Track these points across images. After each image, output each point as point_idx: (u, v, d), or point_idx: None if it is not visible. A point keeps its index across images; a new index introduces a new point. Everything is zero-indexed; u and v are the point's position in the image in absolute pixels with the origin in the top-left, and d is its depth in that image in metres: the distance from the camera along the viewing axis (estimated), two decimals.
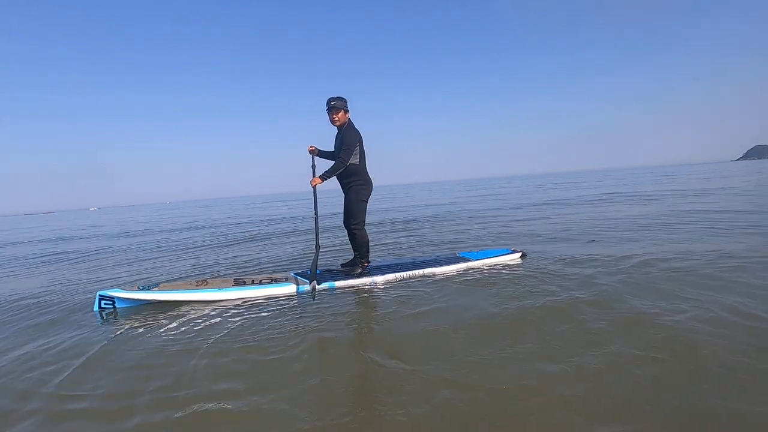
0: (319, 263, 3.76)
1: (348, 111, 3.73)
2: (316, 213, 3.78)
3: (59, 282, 4.88)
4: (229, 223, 13.02)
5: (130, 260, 6.40)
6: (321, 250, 4.37)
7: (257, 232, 9.57)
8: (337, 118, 3.68)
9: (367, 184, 3.75)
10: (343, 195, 3.84)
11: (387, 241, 6.32)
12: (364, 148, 3.76)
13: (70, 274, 5.49)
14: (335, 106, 3.64)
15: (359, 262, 3.87)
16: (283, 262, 5.16)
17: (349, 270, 3.87)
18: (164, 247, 7.93)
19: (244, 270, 4.77)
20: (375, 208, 13.52)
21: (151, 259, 6.38)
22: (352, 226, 3.77)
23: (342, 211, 3.86)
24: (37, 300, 3.94)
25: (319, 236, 3.75)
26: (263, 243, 7.41)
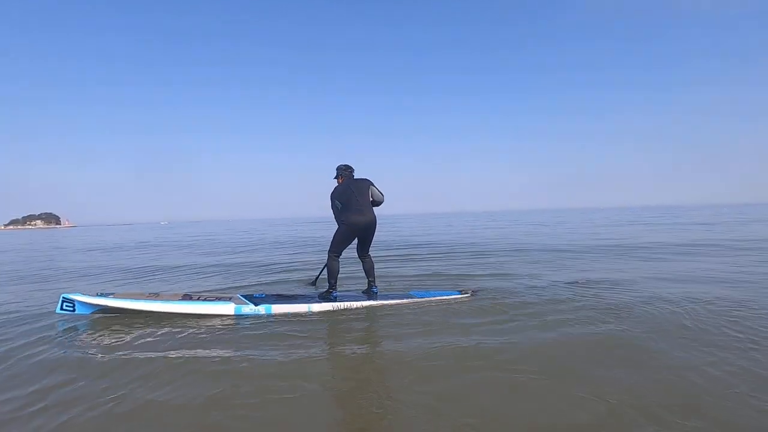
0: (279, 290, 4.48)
1: (340, 176, 4.37)
2: None
3: None
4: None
5: None
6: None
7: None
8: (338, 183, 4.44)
9: (349, 226, 4.17)
10: None
11: None
12: (350, 194, 4.20)
13: None
14: (338, 173, 4.45)
15: (328, 288, 4.20)
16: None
17: (324, 297, 4.14)
18: None
19: None
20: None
21: None
22: (329, 253, 4.23)
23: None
24: None
25: None
26: None
